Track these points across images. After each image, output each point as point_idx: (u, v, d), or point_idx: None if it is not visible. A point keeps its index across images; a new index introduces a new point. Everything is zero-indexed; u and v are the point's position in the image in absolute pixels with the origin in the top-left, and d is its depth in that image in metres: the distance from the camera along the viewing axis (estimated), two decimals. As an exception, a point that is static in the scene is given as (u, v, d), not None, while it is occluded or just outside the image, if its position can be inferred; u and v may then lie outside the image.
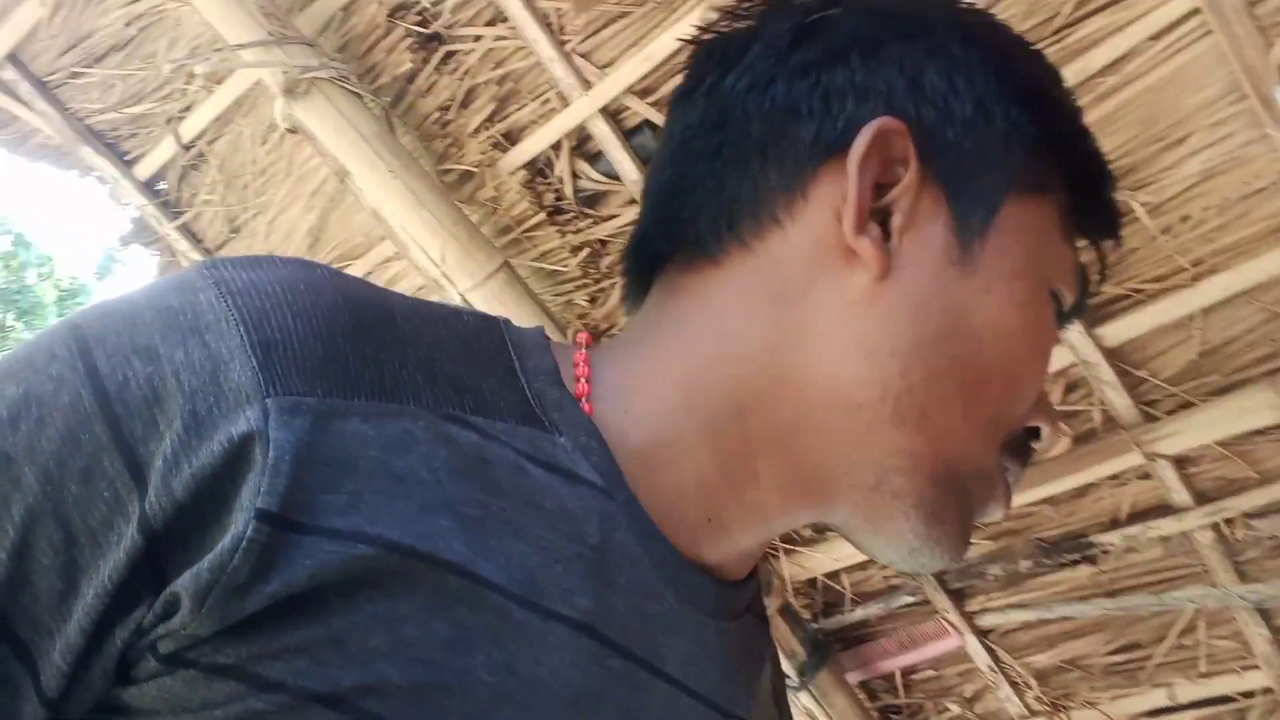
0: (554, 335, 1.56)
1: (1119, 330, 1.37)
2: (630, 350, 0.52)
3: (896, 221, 0.48)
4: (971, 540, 0.52)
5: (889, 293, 0.47)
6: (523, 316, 1.51)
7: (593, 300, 1.62)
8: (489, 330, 0.49)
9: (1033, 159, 0.50)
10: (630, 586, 0.46)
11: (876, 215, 0.48)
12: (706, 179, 0.51)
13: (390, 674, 0.38)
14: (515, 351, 0.48)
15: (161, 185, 1.77)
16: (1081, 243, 0.56)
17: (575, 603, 0.43)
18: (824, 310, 0.48)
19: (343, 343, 0.40)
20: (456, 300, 1.62)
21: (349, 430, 0.39)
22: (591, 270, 1.60)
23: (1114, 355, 1.40)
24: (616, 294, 1.60)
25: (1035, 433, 0.54)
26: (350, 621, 0.38)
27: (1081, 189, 0.53)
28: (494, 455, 0.43)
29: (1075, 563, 1.68)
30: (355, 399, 0.40)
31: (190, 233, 1.80)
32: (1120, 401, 1.42)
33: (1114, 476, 1.52)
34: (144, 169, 1.72)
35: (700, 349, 0.50)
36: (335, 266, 0.46)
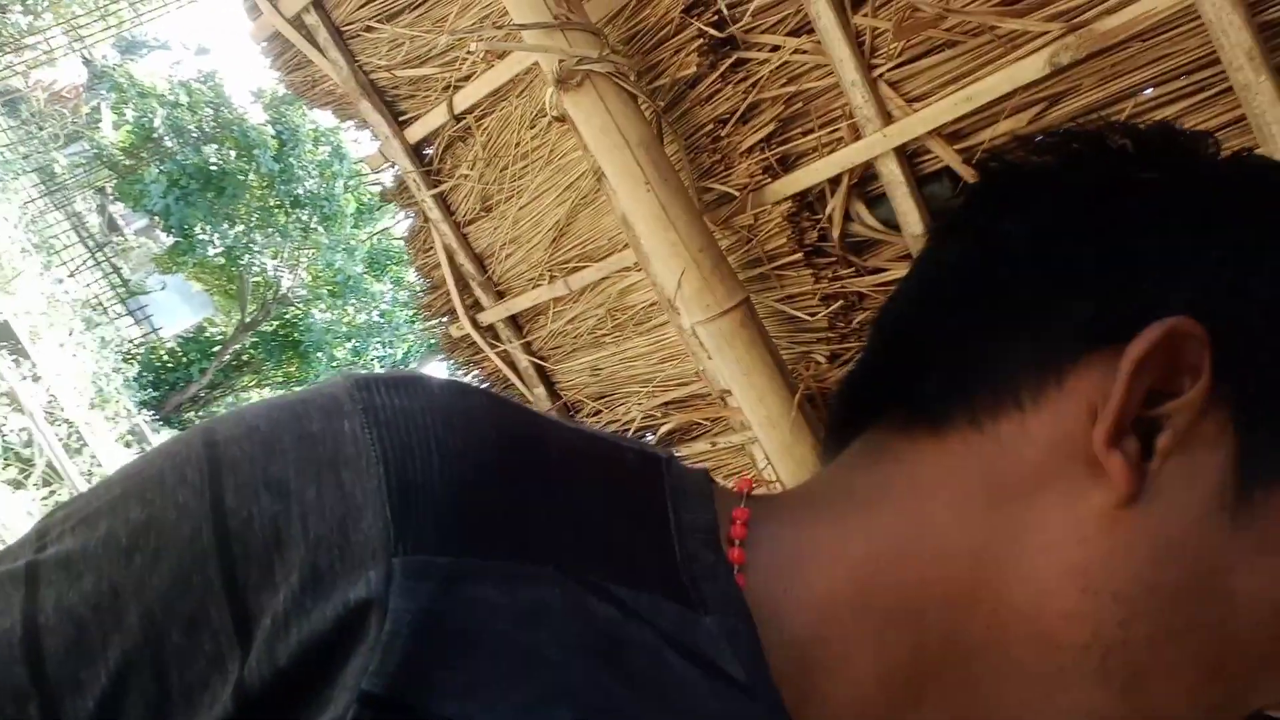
0: (780, 389, 1.41)
1: None
2: (805, 514, 0.45)
3: (1164, 441, 0.40)
4: None
5: (1132, 523, 0.40)
6: (751, 362, 1.35)
7: (833, 358, 1.44)
8: (649, 474, 0.44)
9: None
10: None
11: (1140, 427, 0.40)
12: (948, 333, 0.44)
13: None
14: (673, 502, 0.43)
15: (428, 151, 1.75)
16: None
17: None
18: (1048, 523, 0.41)
19: (488, 490, 0.37)
20: (685, 328, 1.49)
21: (479, 597, 0.35)
22: (839, 324, 1.42)
23: None
24: (865, 358, 1.41)
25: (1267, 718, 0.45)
26: None
27: None
28: (632, 637, 0.38)
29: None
30: (491, 558, 0.36)
31: (444, 202, 1.78)
32: None
33: None
34: (414, 132, 1.71)
35: (892, 533, 0.43)
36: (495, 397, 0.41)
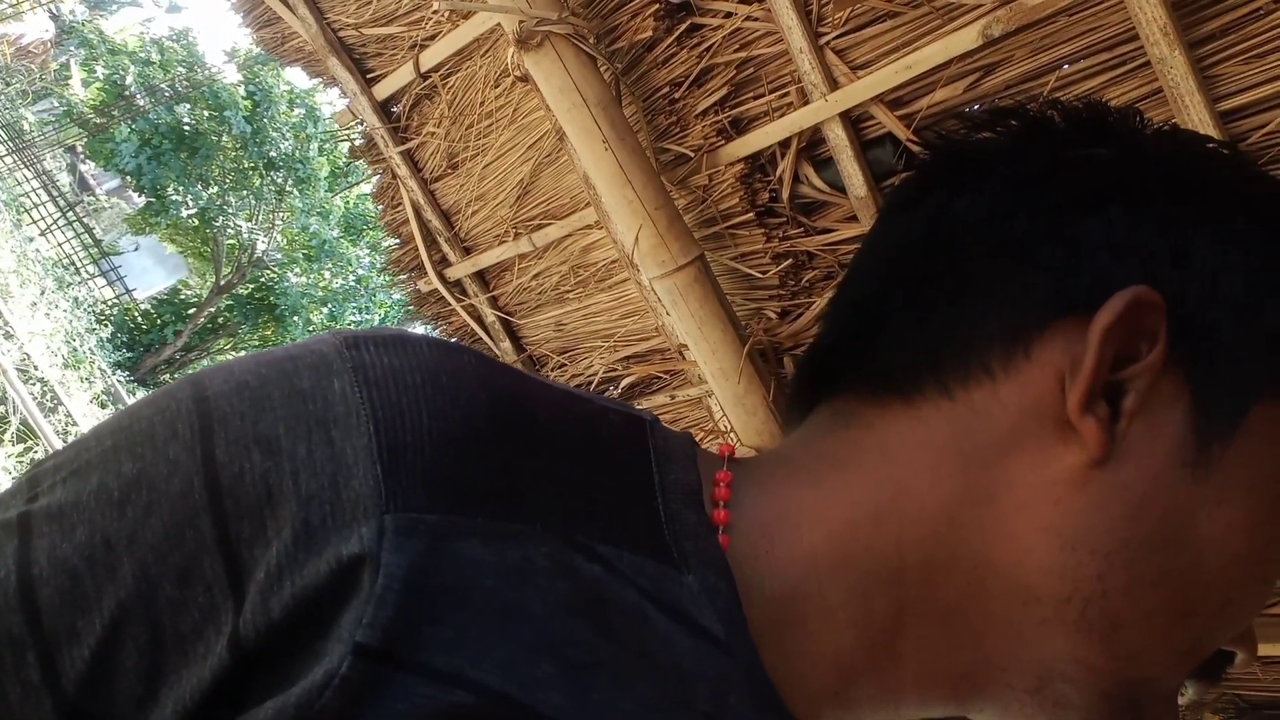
0: (732, 343, 1.47)
1: None
2: (784, 477, 0.46)
3: (1129, 403, 0.42)
4: None
5: (1103, 481, 0.42)
6: (705, 317, 1.42)
7: (783, 314, 1.50)
8: (633, 435, 0.45)
9: None
10: None
11: (1106, 391, 0.42)
12: (913, 307, 0.46)
13: None
14: (657, 461, 0.44)
15: (395, 109, 1.79)
16: None
17: None
18: (1022, 483, 0.42)
19: (476, 449, 0.38)
20: (644, 284, 1.55)
21: (466, 554, 0.36)
22: (790, 282, 1.48)
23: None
24: (810, 314, 1.48)
25: (1229, 656, 0.48)
26: None
27: None
28: (615, 594, 0.39)
29: (1275, 733, 1.44)
30: (479, 516, 0.37)
31: (412, 160, 1.82)
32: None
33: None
34: (382, 90, 1.75)
35: (869, 497, 0.44)
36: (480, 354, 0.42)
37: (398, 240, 1.92)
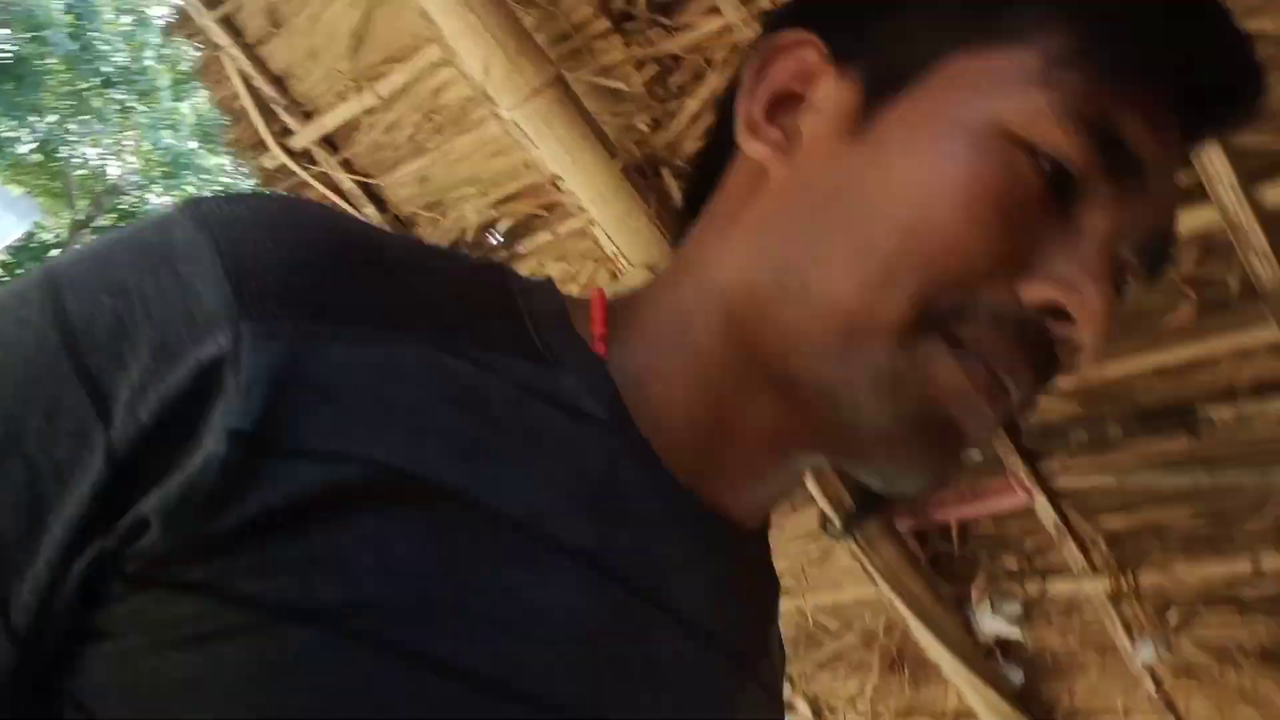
0: (606, 163, 1.40)
1: (1285, 192, 1.13)
2: (645, 295, 0.51)
3: (804, 122, 0.47)
4: (951, 465, 0.46)
5: (788, 185, 0.47)
6: (573, 140, 1.34)
7: (656, 124, 1.43)
8: (491, 272, 0.48)
9: (990, 7, 0.45)
10: (636, 522, 0.44)
11: (785, 105, 0.48)
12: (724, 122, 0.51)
13: (378, 593, 0.36)
14: (520, 293, 0.47)
15: (199, -34, 1.61)
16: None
17: (578, 534, 0.41)
18: (740, 224, 0.48)
19: (326, 272, 0.39)
20: (505, 118, 1.45)
21: (332, 357, 0.37)
22: (658, 90, 1.40)
23: (1273, 220, 1.15)
24: (683, 119, 1.41)
25: (1059, 314, 0.43)
26: (334, 540, 0.36)
27: (1109, 31, 0.44)
28: (490, 388, 0.41)
29: (1174, 432, 1.46)
30: (339, 327, 0.38)
31: (231, 26, 1.65)
32: (1268, 273, 1.19)
33: (1240, 350, 1.31)
34: (177, -52, 1.56)
35: (682, 281, 0.50)
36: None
37: (232, 117, 1.77)
